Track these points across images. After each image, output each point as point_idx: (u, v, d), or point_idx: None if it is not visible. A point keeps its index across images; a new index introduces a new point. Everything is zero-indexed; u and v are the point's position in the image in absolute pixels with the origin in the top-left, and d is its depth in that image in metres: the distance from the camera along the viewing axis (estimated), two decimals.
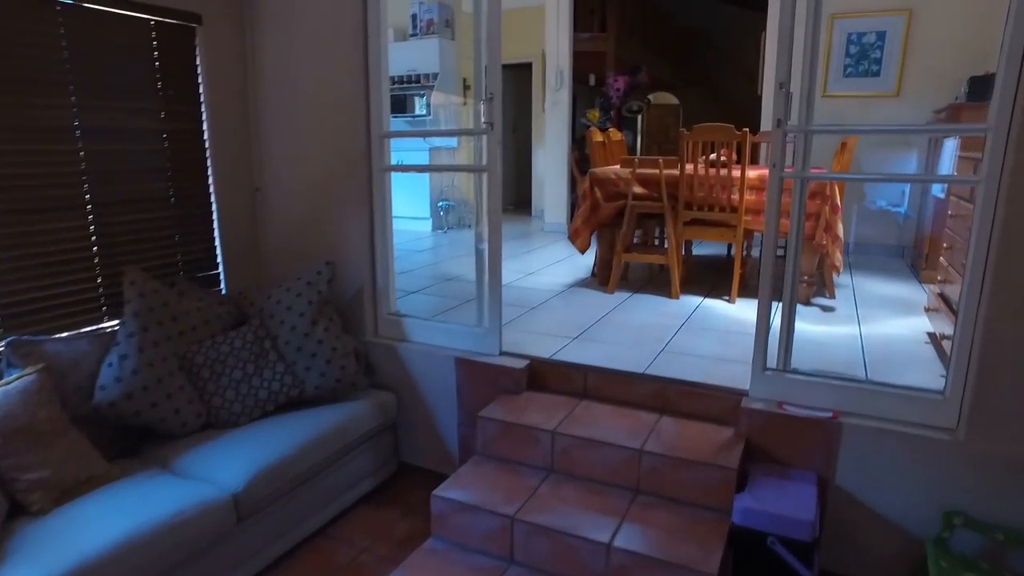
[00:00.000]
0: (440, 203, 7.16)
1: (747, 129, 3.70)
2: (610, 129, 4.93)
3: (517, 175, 9.58)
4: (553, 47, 6.85)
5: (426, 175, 7.05)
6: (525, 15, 8.25)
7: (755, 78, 11.10)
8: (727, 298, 4.03)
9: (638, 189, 4.09)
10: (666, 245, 4.34)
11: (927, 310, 3.20)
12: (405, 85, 7.40)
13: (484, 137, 2.81)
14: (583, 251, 4.34)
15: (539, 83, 8.17)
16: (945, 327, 2.88)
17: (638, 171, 4.02)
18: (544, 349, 3.04)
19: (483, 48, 2.75)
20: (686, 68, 10.67)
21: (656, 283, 4.47)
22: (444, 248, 6.29)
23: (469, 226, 7.54)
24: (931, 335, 3.30)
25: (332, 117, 3.10)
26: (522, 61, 8.53)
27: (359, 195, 3.11)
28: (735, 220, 3.88)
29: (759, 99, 6.24)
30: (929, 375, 2.79)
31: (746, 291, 4.14)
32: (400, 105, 7.54)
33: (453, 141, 7.52)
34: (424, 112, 7.26)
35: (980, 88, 4.47)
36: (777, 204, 2.34)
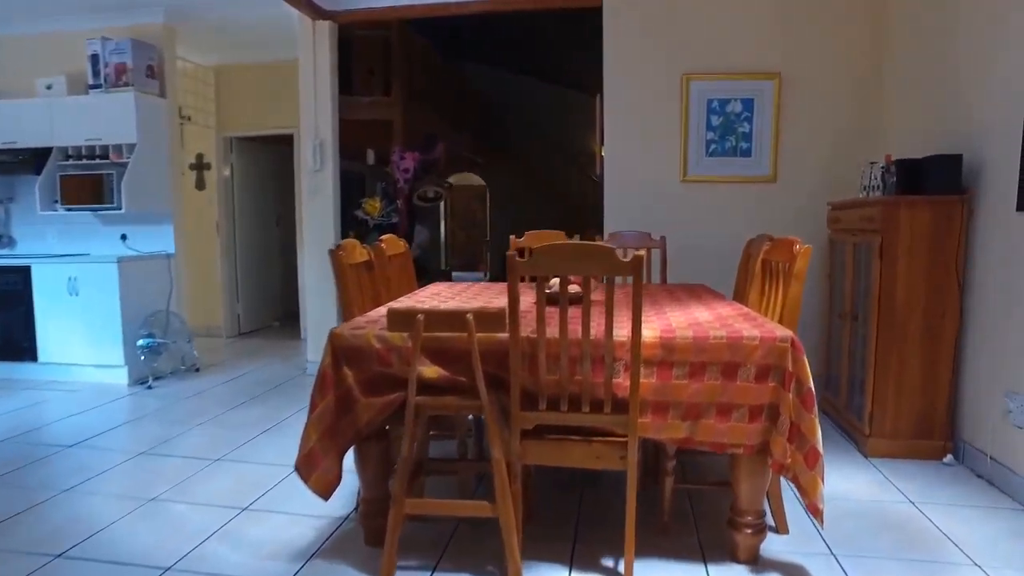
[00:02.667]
0: (141, 341, 4.60)
1: (641, 253, 1.81)
2: (382, 240, 2.83)
3: (284, 281, 7.23)
4: (310, 113, 4.78)
5: (114, 288, 4.46)
6: (283, 72, 6.16)
7: (569, 154, 9.87)
8: (612, 564, 2.06)
9: (429, 370, 2.02)
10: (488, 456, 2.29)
11: None
12: (92, 161, 4.87)
13: None
14: (326, 495, 2.12)
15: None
16: None
17: (427, 334, 1.96)
18: None
19: None
20: (492, 144, 9.12)
21: (471, 533, 2.37)
22: (146, 426, 3.71)
23: (197, 368, 5.02)
24: None
25: None
26: (281, 132, 6.38)
27: None
28: (623, 426, 1.94)
29: (594, 185, 4.61)
30: None
31: (645, 545, 2.18)
32: (92, 191, 4.97)
33: (169, 243, 5.06)
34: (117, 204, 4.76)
35: (912, 175, 3.15)
36: None
